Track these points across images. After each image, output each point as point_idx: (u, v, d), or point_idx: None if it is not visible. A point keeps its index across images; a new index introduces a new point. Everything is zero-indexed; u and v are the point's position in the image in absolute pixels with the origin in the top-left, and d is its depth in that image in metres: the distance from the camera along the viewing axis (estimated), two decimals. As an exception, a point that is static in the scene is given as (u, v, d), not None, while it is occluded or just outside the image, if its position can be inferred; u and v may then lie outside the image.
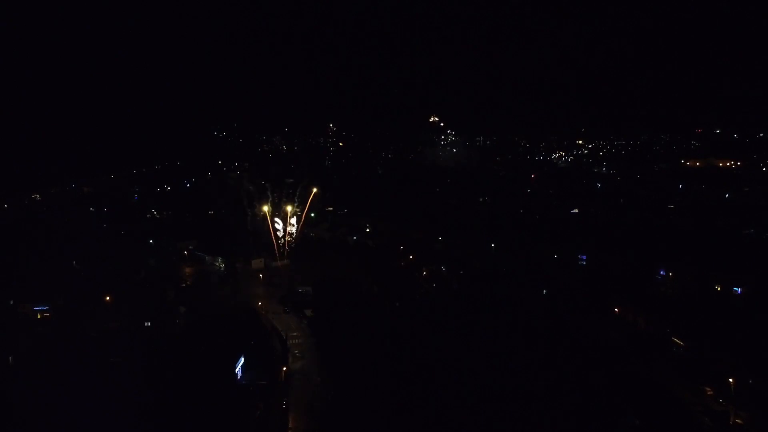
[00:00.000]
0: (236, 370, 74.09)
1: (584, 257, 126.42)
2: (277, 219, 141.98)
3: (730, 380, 69.25)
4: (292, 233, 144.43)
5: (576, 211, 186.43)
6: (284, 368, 74.99)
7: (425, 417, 64.51)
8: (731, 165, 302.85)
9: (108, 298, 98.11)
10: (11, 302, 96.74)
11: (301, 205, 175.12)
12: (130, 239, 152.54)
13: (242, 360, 75.78)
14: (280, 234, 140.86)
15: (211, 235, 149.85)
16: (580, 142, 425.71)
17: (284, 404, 67.80)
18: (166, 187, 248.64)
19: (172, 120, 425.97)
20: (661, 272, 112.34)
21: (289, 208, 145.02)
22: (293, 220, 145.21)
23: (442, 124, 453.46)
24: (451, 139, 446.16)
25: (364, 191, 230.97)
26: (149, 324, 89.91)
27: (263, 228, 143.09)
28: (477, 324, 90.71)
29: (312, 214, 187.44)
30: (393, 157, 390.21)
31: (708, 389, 71.42)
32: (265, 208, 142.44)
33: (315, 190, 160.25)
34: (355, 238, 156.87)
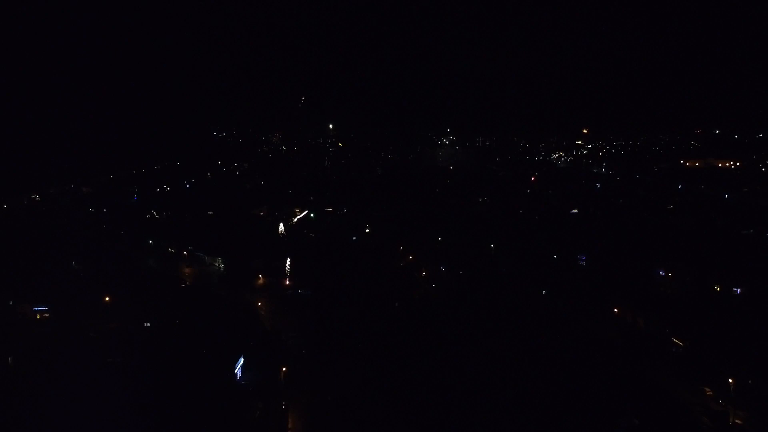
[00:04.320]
0: (236, 370, 74.06)
1: (584, 257, 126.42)
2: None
3: (730, 380, 69.29)
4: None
5: (576, 211, 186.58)
6: (284, 368, 74.96)
7: (425, 417, 64.52)
8: (731, 165, 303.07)
9: (108, 298, 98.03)
10: (11, 302, 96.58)
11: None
12: (129, 239, 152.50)
13: (242, 360, 75.75)
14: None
15: (210, 236, 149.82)
16: (580, 142, 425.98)
17: (284, 404, 67.76)
18: (166, 188, 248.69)
19: (172, 120, 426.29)
20: (661, 272, 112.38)
21: None
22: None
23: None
24: (451, 139, 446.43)
25: (364, 191, 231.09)
26: (149, 324, 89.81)
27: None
28: (477, 324, 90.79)
29: (312, 215, 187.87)
30: (392, 157, 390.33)
31: (708, 389, 71.40)
32: None
33: None
34: (354, 238, 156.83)
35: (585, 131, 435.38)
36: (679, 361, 79.10)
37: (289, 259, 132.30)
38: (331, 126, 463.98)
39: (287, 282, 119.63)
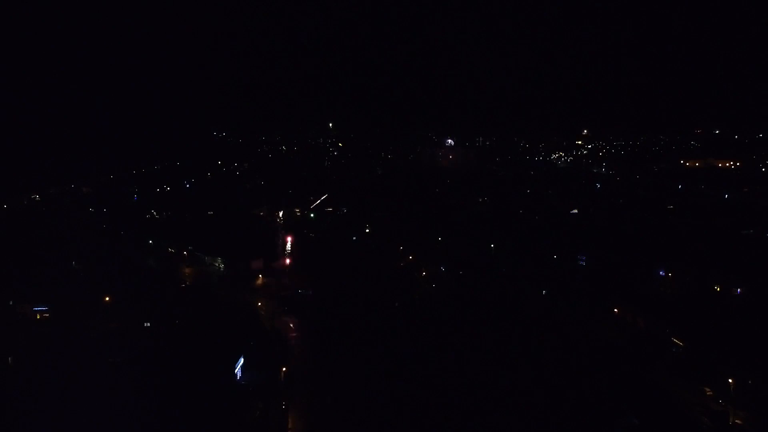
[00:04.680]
0: (236, 370, 74.08)
1: (584, 257, 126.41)
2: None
3: (730, 380, 69.31)
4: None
5: (576, 211, 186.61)
6: (284, 368, 75.01)
7: (425, 417, 64.54)
8: (730, 165, 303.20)
9: (108, 298, 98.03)
10: (11, 302, 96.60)
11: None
12: (129, 239, 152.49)
13: (242, 360, 75.78)
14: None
15: (210, 236, 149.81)
16: (580, 142, 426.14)
17: (284, 404, 67.80)
18: (166, 188, 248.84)
19: (172, 120, 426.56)
20: (661, 272, 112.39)
21: None
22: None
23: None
24: (451, 139, 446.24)
25: (364, 191, 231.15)
26: (149, 324, 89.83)
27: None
28: (476, 324, 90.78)
29: (311, 215, 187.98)
30: (392, 157, 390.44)
31: (708, 389, 71.42)
32: None
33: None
34: (354, 238, 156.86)
35: (585, 131, 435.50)
36: (679, 361, 79.12)
37: (289, 259, 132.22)
38: (330, 125, 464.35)
39: (287, 282, 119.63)
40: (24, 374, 71.02)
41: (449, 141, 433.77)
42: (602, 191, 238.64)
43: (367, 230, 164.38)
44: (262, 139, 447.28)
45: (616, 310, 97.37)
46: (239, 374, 74.40)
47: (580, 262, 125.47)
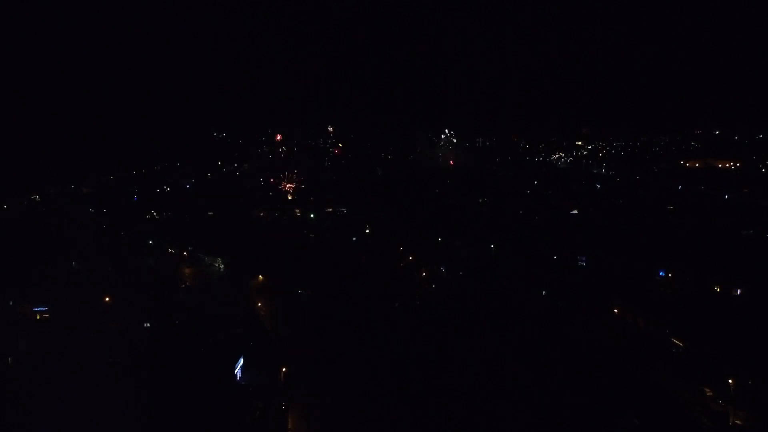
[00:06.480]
0: (236, 371, 74.05)
1: (584, 257, 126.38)
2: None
3: (730, 380, 69.28)
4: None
5: (575, 212, 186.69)
6: (284, 368, 74.98)
7: (425, 417, 64.53)
8: (730, 166, 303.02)
9: (108, 298, 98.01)
10: (11, 302, 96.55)
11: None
12: (129, 240, 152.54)
13: (242, 360, 75.75)
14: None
15: (210, 236, 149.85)
16: (580, 143, 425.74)
17: (284, 404, 67.78)
18: (166, 188, 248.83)
19: (172, 120, 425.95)
20: (661, 272, 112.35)
21: None
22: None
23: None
24: (451, 139, 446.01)
25: (364, 191, 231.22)
26: (149, 324, 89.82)
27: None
28: (477, 325, 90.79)
29: (311, 215, 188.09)
30: (392, 157, 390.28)
31: (708, 389, 71.42)
32: None
33: None
34: (354, 238, 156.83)
35: (585, 131, 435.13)
36: (679, 361, 79.12)
37: (289, 259, 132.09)
38: (331, 129, 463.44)
39: (287, 282, 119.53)
40: (24, 374, 71.01)
41: (449, 140, 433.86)
42: (602, 192, 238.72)
43: (367, 230, 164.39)
44: (262, 139, 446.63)
45: (616, 310, 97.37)
46: (239, 374, 74.38)
47: (580, 263, 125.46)
